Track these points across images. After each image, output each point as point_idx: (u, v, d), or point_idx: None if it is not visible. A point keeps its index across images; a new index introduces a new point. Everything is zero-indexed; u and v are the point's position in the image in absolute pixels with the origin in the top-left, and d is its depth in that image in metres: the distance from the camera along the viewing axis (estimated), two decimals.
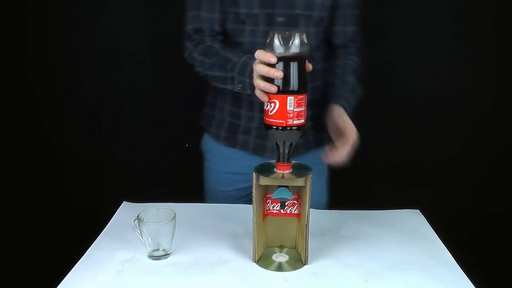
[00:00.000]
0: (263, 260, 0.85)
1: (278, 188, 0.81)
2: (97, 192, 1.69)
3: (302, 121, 0.77)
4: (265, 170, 0.81)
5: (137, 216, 0.85)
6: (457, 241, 0.92)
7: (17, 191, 1.69)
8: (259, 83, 0.76)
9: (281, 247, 0.88)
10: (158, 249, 0.86)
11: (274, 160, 0.81)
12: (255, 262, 0.85)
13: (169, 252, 0.87)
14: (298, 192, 0.82)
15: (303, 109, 0.76)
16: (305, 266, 0.84)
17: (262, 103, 0.78)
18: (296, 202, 0.83)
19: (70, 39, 1.55)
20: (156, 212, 0.87)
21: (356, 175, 1.44)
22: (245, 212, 1.05)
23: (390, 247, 0.91)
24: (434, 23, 1.52)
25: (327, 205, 1.20)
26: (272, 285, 0.79)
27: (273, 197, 0.83)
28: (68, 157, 1.67)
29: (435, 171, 1.68)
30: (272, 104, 0.75)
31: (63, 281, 0.78)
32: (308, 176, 0.79)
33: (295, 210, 0.84)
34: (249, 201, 1.15)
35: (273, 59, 0.74)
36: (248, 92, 0.90)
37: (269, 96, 0.76)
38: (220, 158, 1.16)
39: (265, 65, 0.75)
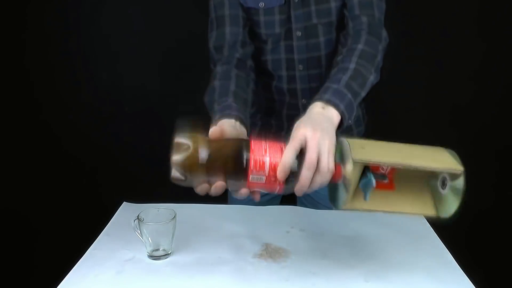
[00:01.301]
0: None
1: (361, 186, 0.69)
2: (97, 192, 1.69)
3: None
4: (334, 198, 0.71)
5: (137, 216, 0.85)
6: (457, 241, 0.92)
7: (17, 191, 1.69)
8: (236, 195, 0.67)
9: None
10: (158, 249, 0.86)
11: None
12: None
13: (169, 252, 0.87)
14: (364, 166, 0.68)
15: (267, 158, 0.64)
16: (305, 266, 0.83)
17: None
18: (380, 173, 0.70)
19: (70, 39, 1.55)
20: (156, 212, 0.87)
21: None
22: (245, 212, 1.05)
23: (390, 247, 0.91)
24: (433, 23, 1.52)
25: None
26: (272, 285, 0.79)
27: (365, 191, 0.69)
28: (68, 158, 1.67)
29: None
30: (259, 187, 0.66)
31: (63, 281, 0.78)
32: (347, 152, 0.66)
33: (386, 172, 0.71)
34: (271, 201, 1.16)
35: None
36: None
37: (247, 188, 0.67)
38: None
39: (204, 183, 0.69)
